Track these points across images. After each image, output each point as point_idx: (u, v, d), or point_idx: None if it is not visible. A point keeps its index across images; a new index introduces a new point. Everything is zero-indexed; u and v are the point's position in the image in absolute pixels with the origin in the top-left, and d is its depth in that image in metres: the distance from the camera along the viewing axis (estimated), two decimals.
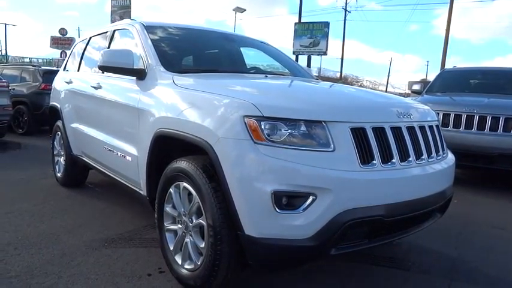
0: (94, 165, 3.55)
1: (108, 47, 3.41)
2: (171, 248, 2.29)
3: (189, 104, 2.14)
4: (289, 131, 1.80)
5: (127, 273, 2.38)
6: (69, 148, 3.97)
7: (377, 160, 1.88)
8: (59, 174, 4.36)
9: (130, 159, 2.70)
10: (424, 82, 6.59)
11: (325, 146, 1.81)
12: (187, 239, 2.17)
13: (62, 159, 4.28)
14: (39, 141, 7.84)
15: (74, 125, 3.79)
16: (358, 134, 1.87)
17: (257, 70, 3.24)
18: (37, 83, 8.76)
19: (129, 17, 20.06)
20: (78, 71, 4.03)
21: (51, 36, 28.29)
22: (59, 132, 4.26)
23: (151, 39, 2.86)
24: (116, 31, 3.42)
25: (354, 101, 2.16)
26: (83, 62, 4.01)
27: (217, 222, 1.89)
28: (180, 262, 2.21)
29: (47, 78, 8.64)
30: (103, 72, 3.36)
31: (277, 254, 1.82)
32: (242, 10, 26.74)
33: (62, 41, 28.46)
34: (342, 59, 36.59)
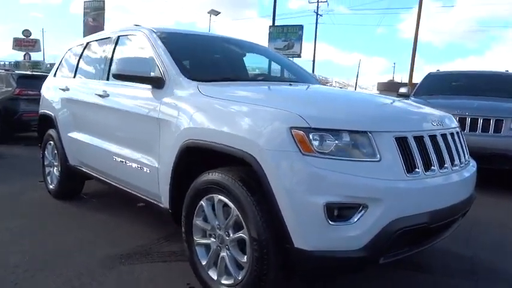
0: (97, 176, 3.40)
1: (113, 54, 3.27)
2: (204, 263, 2.21)
3: (226, 115, 2.08)
4: (336, 141, 1.78)
5: None
6: (66, 158, 3.78)
7: (420, 168, 1.89)
8: (51, 186, 4.14)
9: (148, 171, 2.59)
10: (411, 86, 6.76)
11: (372, 156, 1.80)
12: (223, 253, 2.10)
13: (55, 170, 4.08)
14: (17, 150, 7.47)
15: (73, 135, 3.61)
16: (401, 143, 1.87)
17: (272, 78, 3.21)
18: (10, 88, 8.31)
19: (103, 19, 19.60)
20: (74, 77, 3.85)
21: (14, 38, 27.13)
22: (51, 142, 4.05)
23: (166, 46, 2.76)
24: (121, 37, 3.29)
25: (395, 111, 2.17)
26: (79, 68, 3.84)
27: (263, 235, 1.84)
28: (215, 278, 2.14)
29: (22, 83, 8.25)
30: (108, 79, 3.24)
31: (328, 266, 1.80)
32: (217, 13, 26.59)
33: (25, 43, 27.33)
34: (314, 61, 37.10)
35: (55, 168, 4.08)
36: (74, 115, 3.60)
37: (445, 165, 2.04)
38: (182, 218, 2.32)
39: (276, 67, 3.43)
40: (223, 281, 2.09)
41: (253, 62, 3.55)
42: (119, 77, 2.61)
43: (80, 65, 3.85)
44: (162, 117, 2.45)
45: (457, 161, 2.15)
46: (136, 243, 2.96)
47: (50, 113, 4.00)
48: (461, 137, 2.39)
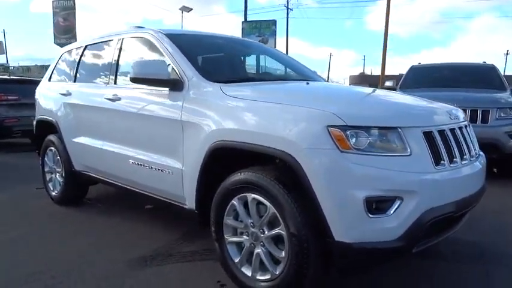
0: (107, 180, 3.38)
1: (119, 57, 3.26)
2: (236, 261, 2.26)
3: (258, 115, 2.13)
4: (370, 138, 1.87)
5: None
6: (70, 164, 3.74)
7: (445, 160, 2.01)
8: (54, 193, 4.07)
9: (171, 173, 2.62)
10: (395, 79, 6.98)
11: (403, 150, 1.90)
12: (258, 250, 2.16)
13: (57, 176, 4.02)
14: (1, 157, 7.25)
15: (79, 140, 3.57)
16: (428, 137, 1.99)
17: (286, 77, 3.27)
18: None
19: (74, 18, 19.06)
20: (74, 81, 3.80)
21: None
22: (52, 148, 3.99)
23: (178, 48, 2.78)
24: (126, 39, 3.28)
25: (419, 107, 2.28)
26: (80, 72, 3.79)
27: (302, 231, 1.92)
28: (249, 274, 2.20)
29: (1, 88, 8.01)
30: (115, 83, 3.23)
31: (367, 257, 1.90)
32: (189, 9, 26.32)
33: None
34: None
35: (57, 174, 4.02)
36: (79, 120, 3.56)
37: (465, 156, 2.17)
38: (211, 218, 2.37)
39: (282, 66, 3.49)
40: (259, 277, 2.16)
41: (264, 62, 3.59)
42: (137, 80, 2.62)
43: (80, 69, 3.80)
44: (186, 119, 2.47)
45: (473, 152, 2.29)
46: (155, 245, 2.97)
47: (50, 118, 3.93)
48: (471, 129, 2.53)
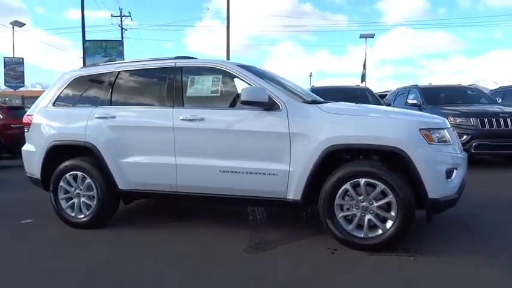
0: (173, 192, 3.72)
1: (181, 83, 3.74)
2: (349, 228, 3.21)
3: (367, 125, 3.19)
4: (438, 135, 3.18)
5: (317, 259, 3.12)
6: (113, 184, 3.86)
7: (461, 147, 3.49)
8: (80, 218, 3.99)
9: (275, 174, 3.34)
10: None
11: (448, 141, 3.27)
12: (368, 217, 3.17)
13: (85, 199, 3.99)
14: None
15: (133, 159, 3.75)
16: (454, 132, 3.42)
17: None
18: None
19: None
20: (110, 105, 3.96)
21: None
22: (77, 172, 3.96)
23: (261, 78, 3.57)
24: (186, 68, 3.79)
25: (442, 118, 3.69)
26: (117, 96, 3.98)
27: (407, 196, 3.06)
28: (362, 235, 3.18)
29: None
30: (183, 106, 3.70)
31: (444, 206, 3.18)
32: (21, 24, 23.44)
33: None
34: None
35: (84, 197, 4.00)
36: (135, 141, 3.75)
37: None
38: (321, 202, 3.25)
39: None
40: (370, 235, 3.17)
41: None
42: (246, 102, 3.31)
43: (116, 93, 3.99)
44: (294, 131, 3.28)
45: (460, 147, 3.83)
46: (246, 239, 3.54)
47: (82, 141, 3.91)
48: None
